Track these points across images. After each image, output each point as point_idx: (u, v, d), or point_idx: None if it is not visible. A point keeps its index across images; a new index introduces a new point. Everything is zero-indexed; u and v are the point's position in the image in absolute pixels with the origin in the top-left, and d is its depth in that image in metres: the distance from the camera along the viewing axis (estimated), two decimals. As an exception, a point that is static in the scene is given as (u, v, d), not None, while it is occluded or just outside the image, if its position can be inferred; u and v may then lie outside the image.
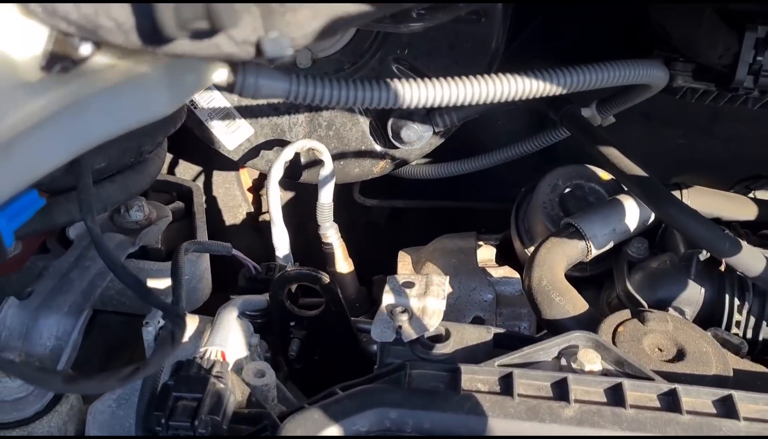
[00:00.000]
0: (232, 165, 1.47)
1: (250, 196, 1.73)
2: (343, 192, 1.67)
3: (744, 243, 0.84)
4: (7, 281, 1.00)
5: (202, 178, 1.63)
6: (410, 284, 0.85)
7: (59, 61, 0.45)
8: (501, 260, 1.18)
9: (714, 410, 0.73)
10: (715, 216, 1.04)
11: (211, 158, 1.50)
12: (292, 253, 1.21)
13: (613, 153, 0.92)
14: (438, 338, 0.79)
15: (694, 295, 0.92)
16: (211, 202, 1.69)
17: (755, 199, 1.06)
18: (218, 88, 1.13)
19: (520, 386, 0.73)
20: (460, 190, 1.66)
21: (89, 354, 0.93)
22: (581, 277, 1.07)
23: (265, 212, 1.75)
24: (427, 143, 1.18)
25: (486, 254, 1.17)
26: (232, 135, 1.22)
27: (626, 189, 0.99)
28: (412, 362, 0.75)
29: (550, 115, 1.07)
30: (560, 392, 0.73)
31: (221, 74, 0.60)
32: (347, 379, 0.78)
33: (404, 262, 1.19)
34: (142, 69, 0.52)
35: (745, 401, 0.73)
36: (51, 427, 0.81)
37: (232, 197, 1.69)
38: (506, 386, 0.73)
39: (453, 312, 1.07)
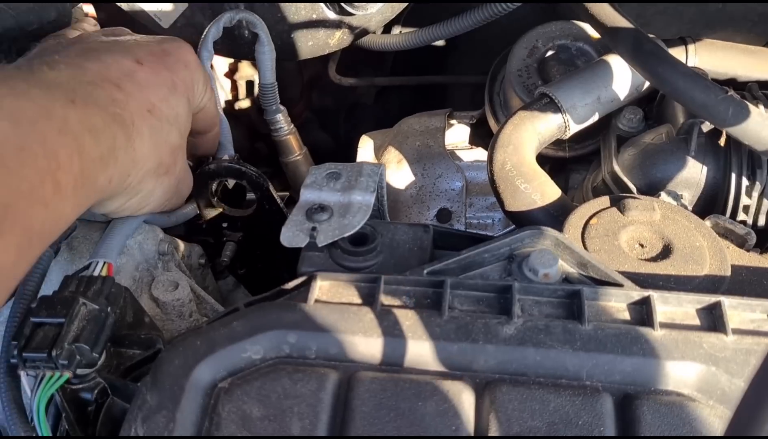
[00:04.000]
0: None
1: (227, 83, 1.57)
2: (323, 72, 1.50)
3: (753, 108, 0.66)
4: None
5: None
6: (336, 176, 0.70)
7: None
8: (478, 140, 1.01)
9: (697, 322, 0.58)
10: (730, 76, 0.85)
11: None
12: (260, 146, 1.07)
13: (594, 2, 0.73)
14: (361, 241, 0.65)
15: (693, 175, 0.75)
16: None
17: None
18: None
19: (454, 298, 0.60)
20: (454, 61, 1.47)
21: None
22: (566, 157, 0.90)
23: (242, 99, 1.61)
24: (386, 7, 0.99)
25: (457, 134, 1.00)
26: (165, 12, 1.05)
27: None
28: (324, 272, 0.62)
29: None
30: (502, 304, 0.59)
31: None
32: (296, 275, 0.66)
33: (365, 147, 1.03)
34: None
35: (738, 309, 0.58)
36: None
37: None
38: (436, 298, 0.59)
39: (416, 204, 0.92)
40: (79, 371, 0.60)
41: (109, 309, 0.62)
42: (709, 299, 0.58)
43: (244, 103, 1.60)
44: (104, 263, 0.67)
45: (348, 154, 1.42)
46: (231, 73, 1.55)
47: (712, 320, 0.58)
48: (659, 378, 0.54)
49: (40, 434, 0.58)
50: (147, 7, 1.06)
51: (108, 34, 0.79)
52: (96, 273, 0.66)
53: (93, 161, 0.61)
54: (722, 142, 0.75)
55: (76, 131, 0.60)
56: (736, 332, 0.56)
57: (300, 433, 0.53)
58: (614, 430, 0.52)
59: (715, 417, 0.52)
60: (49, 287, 0.66)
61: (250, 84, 1.58)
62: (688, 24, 1.47)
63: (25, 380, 0.60)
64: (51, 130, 0.57)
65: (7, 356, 0.60)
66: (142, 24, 1.08)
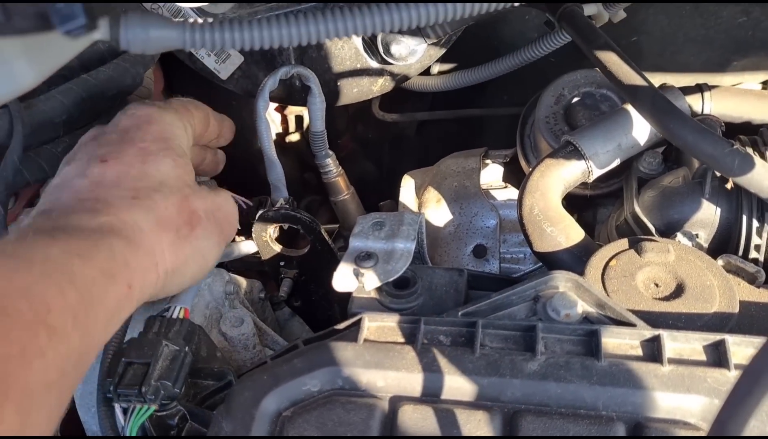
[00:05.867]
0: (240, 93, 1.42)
1: (277, 117, 1.68)
2: (367, 107, 1.59)
3: (757, 160, 0.72)
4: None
5: (227, 105, 1.59)
6: (380, 225, 0.80)
7: None
8: (511, 177, 1.09)
9: (704, 357, 0.65)
10: (744, 119, 0.91)
11: (222, 90, 1.46)
12: (309, 176, 1.15)
13: (610, 59, 0.81)
14: (403, 284, 0.74)
15: (708, 216, 0.82)
16: (239, 128, 1.65)
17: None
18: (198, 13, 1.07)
19: (485, 336, 0.68)
20: (491, 94, 1.55)
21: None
22: (592, 195, 0.97)
23: (291, 132, 1.71)
24: (425, 56, 1.08)
25: (493, 174, 1.08)
26: (223, 64, 1.16)
27: (632, 98, 0.87)
28: (372, 314, 0.71)
29: (548, 16, 0.94)
30: (528, 342, 0.67)
31: (101, 31, 0.54)
32: (347, 314, 0.74)
33: (407, 186, 1.12)
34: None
35: (741, 345, 0.65)
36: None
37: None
38: (469, 337, 0.68)
39: (454, 241, 1.01)
40: (163, 402, 0.70)
41: (186, 348, 0.72)
42: (715, 336, 0.65)
43: (294, 137, 1.71)
44: (181, 308, 0.77)
45: (392, 181, 1.51)
46: (282, 108, 1.66)
47: (717, 356, 0.64)
48: (667, 409, 0.61)
49: (133, 456, 0.68)
50: (207, 61, 1.17)
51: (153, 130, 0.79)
52: (174, 316, 0.77)
53: (93, 280, 0.60)
54: (729, 185, 0.81)
55: (62, 262, 0.58)
56: (738, 367, 0.63)
57: (352, 457, 0.61)
58: (627, 453, 0.59)
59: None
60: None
61: (299, 118, 1.69)
62: (718, 50, 1.51)
63: (119, 410, 0.70)
64: (32, 276, 0.56)
65: (103, 390, 0.70)
66: (203, 76, 1.19)
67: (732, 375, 0.62)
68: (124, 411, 0.69)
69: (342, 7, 0.59)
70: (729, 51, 1.49)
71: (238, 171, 1.23)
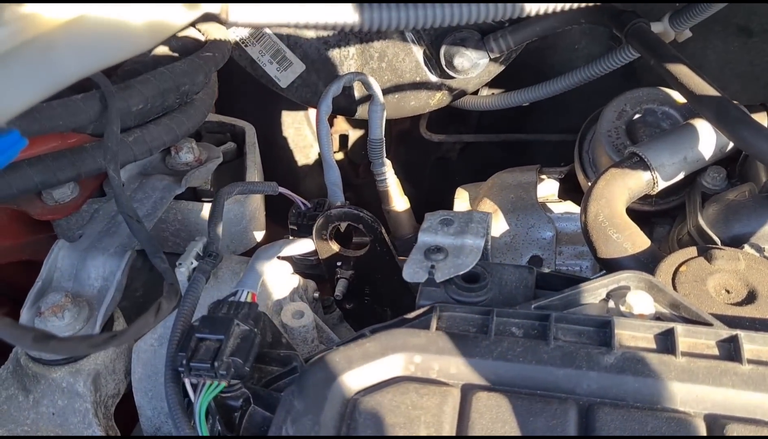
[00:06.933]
0: (301, 105, 1.45)
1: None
2: (412, 128, 1.61)
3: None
4: (66, 223, 1.03)
5: (272, 119, 1.62)
6: (449, 222, 0.80)
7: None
8: (565, 194, 1.10)
9: (782, 360, 0.64)
10: (808, 140, 0.92)
11: (280, 98, 1.49)
12: (348, 190, 1.17)
13: (681, 70, 0.82)
14: (473, 279, 0.74)
15: (775, 230, 0.82)
16: (283, 143, 1.68)
17: None
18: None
19: (558, 330, 0.68)
20: (536, 120, 1.57)
21: (136, 294, 0.95)
22: (651, 211, 0.98)
23: (336, 151, 1.73)
24: (484, 71, 1.10)
25: (548, 188, 1.09)
26: (284, 72, 1.19)
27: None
28: (443, 304, 0.71)
29: (614, 32, 0.96)
30: (602, 336, 0.67)
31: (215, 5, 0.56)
32: (414, 307, 0.75)
33: (461, 198, 1.13)
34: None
35: (822, 350, 0.64)
36: (98, 364, 0.83)
37: (303, 137, 1.68)
38: (542, 330, 0.68)
39: (510, 251, 1.01)
40: (231, 381, 0.70)
41: (256, 329, 0.73)
42: (789, 339, 0.64)
43: (337, 155, 1.73)
44: (248, 292, 0.77)
45: (433, 203, 1.52)
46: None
47: (798, 359, 0.64)
48: (747, 408, 0.61)
49: (201, 434, 0.68)
50: (268, 68, 1.19)
51: None
52: (242, 299, 0.77)
53: None
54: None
55: None
56: (818, 369, 0.62)
57: (427, 435, 0.61)
58: (706, 446, 0.58)
59: (801, 443, 0.58)
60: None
61: (343, 137, 1.72)
62: (764, 87, 1.53)
63: (188, 386, 0.70)
64: None
65: (173, 365, 0.71)
66: (263, 84, 1.22)
67: (813, 377, 0.61)
68: (194, 388, 0.69)
69: None
70: (775, 87, 1.50)
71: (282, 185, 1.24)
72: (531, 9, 0.68)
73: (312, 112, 1.60)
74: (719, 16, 1.21)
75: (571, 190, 1.10)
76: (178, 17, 0.55)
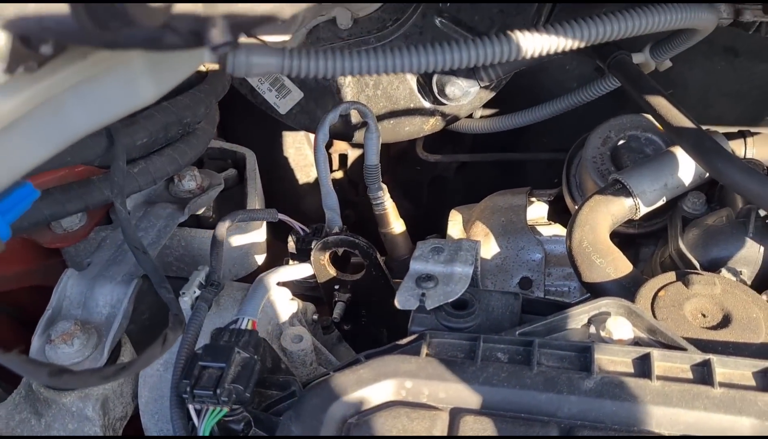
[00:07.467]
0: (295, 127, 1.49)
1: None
2: (409, 149, 1.66)
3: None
4: (75, 251, 1.07)
5: (273, 141, 1.67)
6: (439, 250, 0.84)
7: (21, 63, 0.46)
8: (555, 216, 1.13)
9: (753, 383, 0.68)
10: (785, 165, 0.96)
11: (281, 123, 1.53)
12: (349, 208, 1.20)
13: (660, 103, 0.86)
14: (462, 306, 0.78)
15: (752, 254, 0.85)
16: (284, 163, 1.72)
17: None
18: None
19: (541, 355, 0.71)
20: (530, 139, 1.61)
21: (143, 317, 0.99)
22: (636, 233, 1.02)
23: (335, 170, 1.78)
24: (475, 98, 1.14)
25: (537, 211, 1.13)
26: (283, 100, 1.23)
27: (679, 141, 0.92)
28: (433, 331, 0.75)
29: (598, 63, 1.00)
30: (583, 361, 0.71)
31: (210, 55, 0.60)
32: (395, 338, 0.79)
33: (455, 221, 1.17)
34: (120, 59, 0.53)
35: (790, 373, 0.68)
36: (106, 389, 0.87)
37: (303, 157, 1.72)
38: (526, 355, 0.72)
39: (500, 273, 1.05)
40: (233, 406, 0.74)
41: (256, 356, 0.77)
42: (764, 363, 0.68)
43: (337, 174, 1.77)
44: (249, 319, 0.82)
45: (431, 220, 1.56)
46: (327, 146, 1.73)
47: (766, 382, 0.67)
48: (718, 429, 0.64)
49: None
50: (267, 96, 1.24)
51: None
52: (243, 326, 0.81)
53: None
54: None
55: None
56: (786, 393, 0.66)
57: (416, 462, 0.65)
58: (679, 470, 0.62)
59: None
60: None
61: (342, 157, 1.76)
62: (752, 105, 1.56)
63: (192, 412, 0.74)
64: None
65: (177, 391, 0.75)
66: (263, 110, 1.26)
67: (781, 399, 0.65)
68: (197, 413, 0.73)
69: (423, 44, 0.65)
70: (762, 105, 1.54)
71: (283, 204, 1.29)
72: (527, 52, 0.72)
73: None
74: (705, 38, 1.26)
75: (560, 212, 1.14)
76: (180, 68, 0.59)
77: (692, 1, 0.83)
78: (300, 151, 1.71)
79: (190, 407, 0.73)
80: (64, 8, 0.42)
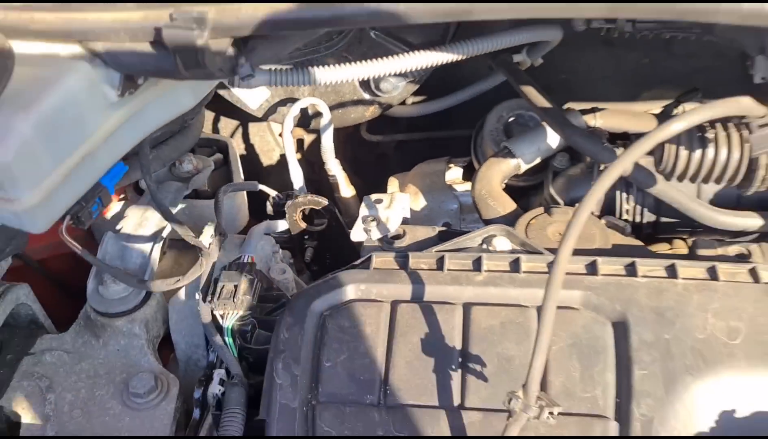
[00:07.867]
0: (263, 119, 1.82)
1: (281, 141, 2.07)
2: (355, 132, 2.00)
3: (618, 151, 1.14)
4: (102, 220, 1.39)
5: (241, 130, 1.99)
6: (380, 201, 1.20)
7: (128, 88, 0.79)
8: (468, 177, 1.50)
9: (584, 271, 1.05)
10: (623, 130, 1.33)
11: (248, 115, 1.85)
12: (307, 184, 1.55)
13: (530, 91, 1.23)
14: (397, 237, 1.14)
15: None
16: (251, 149, 2.04)
17: (658, 114, 1.34)
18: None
19: (450, 264, 1.07)
20: (458, 118, 1.96)
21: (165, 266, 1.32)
22: (525, 186, 1.39)
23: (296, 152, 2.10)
24: (404, 90, 1.49)
25: (454, 174, 1.49)
26: (253, 97, 1.56)
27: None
28: (378, 252, 1.10)
29: (489, 62, 1.37)
30: (476, 265, 1.07)
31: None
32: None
33: (393, 185, 1.52)
34: (174, 82, 0.86)
35: (608, 264, 1.05)
36: (146, 314, 1.19)
37: (266, 143, 2.04)
38: (440, 264, 1.07)
39: (427, 221, 1.41)
40: (242, 313, 1.08)
41: (256, 279, 1.11)
42: (590, 258, 1.05)
43: (296, 156, 2.10)
44: (249, 256, 1.15)
45: (377, 190, 1.90)
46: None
47: (592, 269, 1.04)
48: (562, 300, 1.01)
49: (230, 348, 1.06)
50: (238, 93, 1.56)
51: None
52: (245, 261, 1.15)
53: None
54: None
55: None
56: (605, 274, 1.03)
57: (370, 333, 1.00)
58: (536, 322, 0.99)
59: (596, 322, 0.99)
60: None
61: (300, 141, 2.09)
62: (629, 85, 1.94)
63: (218, 316, 1.07)
64: None
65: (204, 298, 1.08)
66: (236, 105, 1.59)
67: (599, 279, 1.02)
68: (221, 317, 1.07)
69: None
70: (636, 85, 1.91)
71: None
72: (438, 61, 1.07)
73: (272, 122, 1.97)
74: (585, 34, 1.62)
75: (473, 173, 1.51)
76: (210, 85, 0.92)
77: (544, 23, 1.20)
78: (263, 139, 2.03)
79: (216, 312, 1.07)
80: (163, 54, 0.75)
